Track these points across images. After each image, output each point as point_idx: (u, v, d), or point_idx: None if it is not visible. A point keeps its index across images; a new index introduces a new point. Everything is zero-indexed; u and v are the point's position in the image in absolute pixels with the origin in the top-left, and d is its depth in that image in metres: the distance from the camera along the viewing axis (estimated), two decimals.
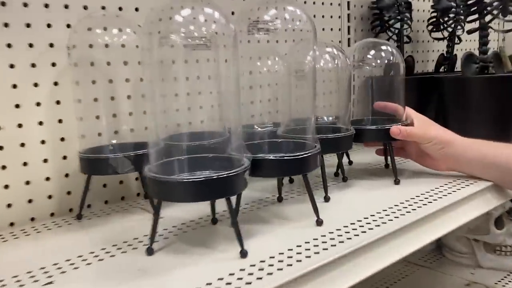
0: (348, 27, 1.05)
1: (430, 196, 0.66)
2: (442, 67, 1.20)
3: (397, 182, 0.73)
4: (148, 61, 0.49)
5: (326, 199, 0.65)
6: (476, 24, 0.93)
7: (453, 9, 1.12)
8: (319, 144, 0.58)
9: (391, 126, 0.72)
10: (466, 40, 1.34)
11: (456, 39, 1.16)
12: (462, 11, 1.10)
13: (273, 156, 0.53)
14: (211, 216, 0.59)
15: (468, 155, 0.71)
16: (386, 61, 0.77)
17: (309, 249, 0.48)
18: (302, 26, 0.53)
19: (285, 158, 0.52)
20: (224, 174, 0.45)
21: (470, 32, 0.90)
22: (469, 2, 0.89)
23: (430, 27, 1.16)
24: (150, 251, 0.49)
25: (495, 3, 0.86)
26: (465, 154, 0.71)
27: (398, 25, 1.07)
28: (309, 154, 0.54)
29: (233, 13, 0.79)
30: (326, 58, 0.68)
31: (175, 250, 0.51)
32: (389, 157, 0.76)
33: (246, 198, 0.69)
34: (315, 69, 0.58)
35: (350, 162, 0.88)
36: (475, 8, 0.88)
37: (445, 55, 1.19)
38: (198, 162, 0.51)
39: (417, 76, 1.12)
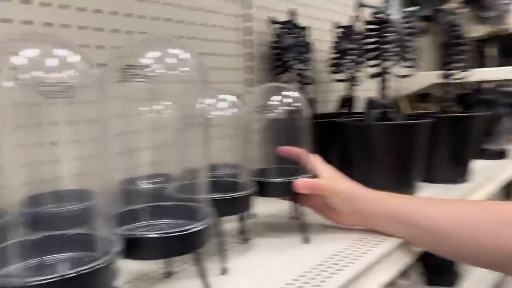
0: (251, 67, 0.99)
1: (344, 257, 0.59)
2: (344, 108, 1.19)
3: (306, 240, 0.65)
4: None
5: (224, 271, 0.55)
6: (378, 69, 0.92)
7: (352, 51, 1.11)
8: (211, 210, 0.48)
9: (296, 178, 0.65)
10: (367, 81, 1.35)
11: (356, 80, 1.15)
12: (361, 54, 1.10)
13: (152, 234, 0.42)
14: None
15: (374, 210, 0.66)
16: (289, 107, 0.70)
17: None
18: (188, 70, 0.44)
19: (169, 235, 0.42)
20: (78, 271, 0.33)
21: (373, 76, 0.88)
22: (368, 47, 0.88)
23: (330, 68, 1.15)
24: None
25: (394, 50, 0.85)
26: (372, 209, 0.66)
27: (299, 65, 1.03)
28: (202, 228, 0.44)
29: None
30: (219, 106, 0.59)
31: None
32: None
33: (126, 271, 0.56)
34: (205, 117, 0.48)
35: (252, 215, 0.79)
36: (376, 53, 0.87)
37: (346, 96, 1.18)
38: (39, 245, 0.38)
39: (320, 120, 1.08)
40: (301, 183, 0.64)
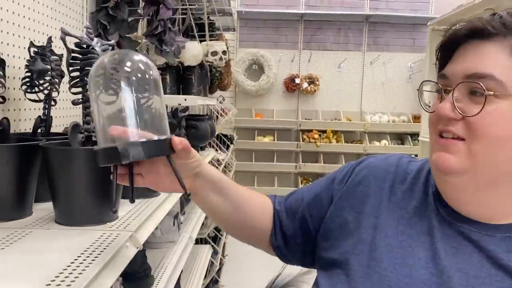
0: None
1: None
2: (40, 129, 1.15)
3: None
4: None
5: None
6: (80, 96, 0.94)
7: (49, 72, 1.10)
8: None
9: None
10: (62, 100, 1.35)
11: (53, 101, 1.14)
12: (57, 74, 1.11)
13: None
14: None
15: (213, 174, 0.81)
16: None
17: None
18: None
19: None
20: None
21: (75, 103, 0.91)
22: (72, 74, 0.90)
23: (24, 87, 1.10)
24: None
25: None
26: (211, 174, 0.81)
27: None
28: None
29: None
30: None
31: None
32: None
33: None
34: None
35: None
36: (78, 81, 0.89)
37: (42, 117, 1.15)
38: None
39: (16, 144, 1.01)
40: (177, 139, 0.68)
